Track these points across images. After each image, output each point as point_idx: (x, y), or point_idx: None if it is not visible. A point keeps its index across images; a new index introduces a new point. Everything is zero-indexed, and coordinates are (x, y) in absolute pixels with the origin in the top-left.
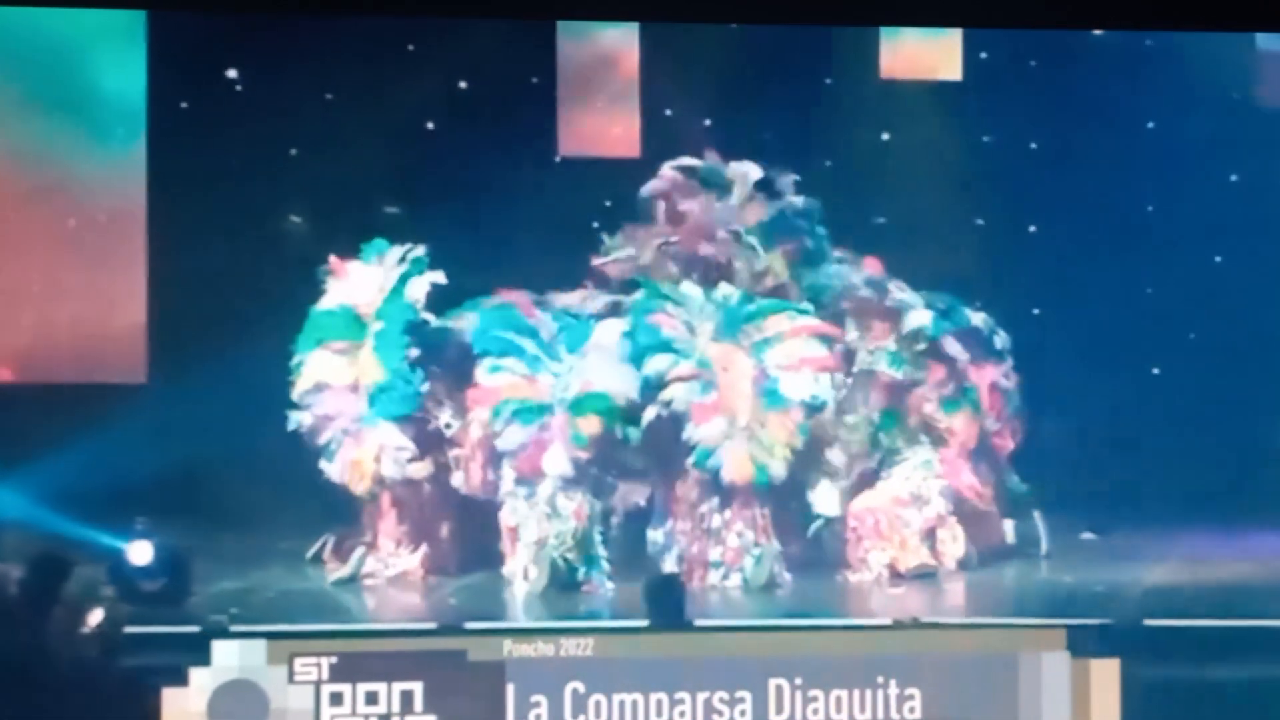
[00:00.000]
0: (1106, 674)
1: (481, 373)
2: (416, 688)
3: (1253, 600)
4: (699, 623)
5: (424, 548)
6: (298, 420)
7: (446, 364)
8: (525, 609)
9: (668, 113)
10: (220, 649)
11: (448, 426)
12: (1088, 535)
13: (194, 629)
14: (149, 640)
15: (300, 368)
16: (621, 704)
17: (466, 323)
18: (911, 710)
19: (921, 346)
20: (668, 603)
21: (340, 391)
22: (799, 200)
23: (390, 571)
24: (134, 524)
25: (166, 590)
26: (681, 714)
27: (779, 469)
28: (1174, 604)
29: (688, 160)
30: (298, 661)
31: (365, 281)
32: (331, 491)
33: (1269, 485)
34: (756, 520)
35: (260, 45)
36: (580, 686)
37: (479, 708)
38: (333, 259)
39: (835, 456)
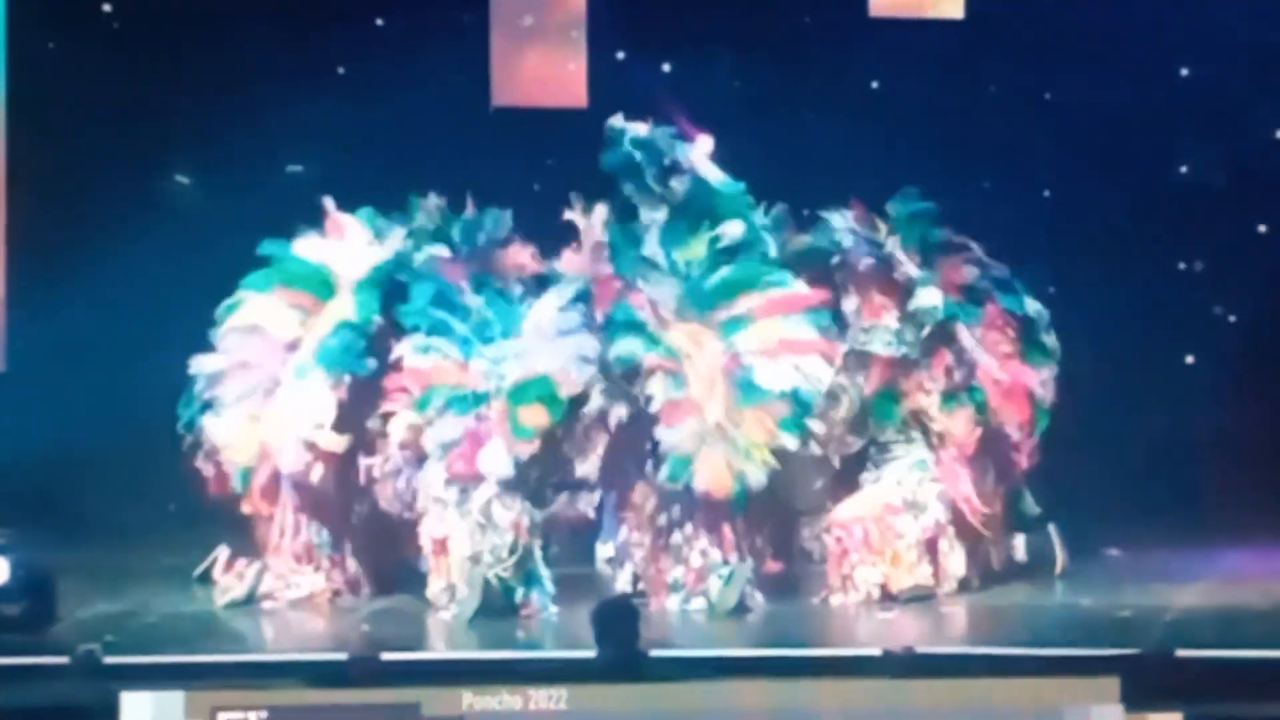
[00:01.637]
0: None
1: (408, 352)
2: None
3: None
4: (655, 653)
5: (331, 562)
6: (199, 365)
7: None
8: (453, 637)
9: (620, 56)
10: (131, 702)
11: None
12: (1112, 551)
13: (61, 660)
14: (10, 674)
15: (238, 306)
16: None
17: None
18: None
19: (928, 330)
20: (620, 630)
21: (273, 343)
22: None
23: (293, 593)
24: None
25: (28, 615)
26: None
27: (757, 476)
28: (1210, 631)
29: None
30: (221, 716)
31: (356, 251)
32: (225, 498)
33: None
34: (724, 534)
35: None
36: None
37: None
38: (330, 206)
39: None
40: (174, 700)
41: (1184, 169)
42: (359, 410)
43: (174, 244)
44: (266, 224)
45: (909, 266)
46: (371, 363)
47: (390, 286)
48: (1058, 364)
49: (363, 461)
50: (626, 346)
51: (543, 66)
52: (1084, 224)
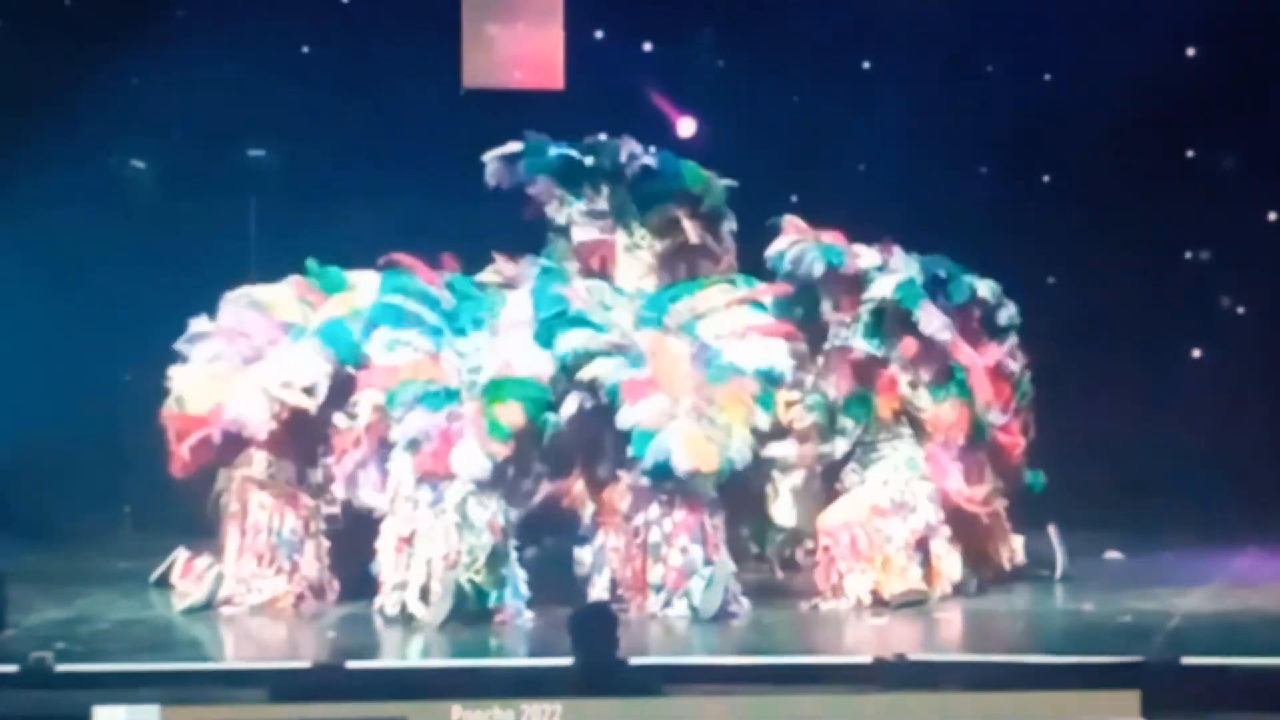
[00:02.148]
0: None
1: (377, 349)
2: None
3: None
4: (634, 661)
5: (294, 564)
6: (191, 327)
7: None
8: (424, 645)
9: (598, 35)
10: (103, 716)
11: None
12: (1112, 554)
13: (10, 668)
14: None
15: (252, 293)
16: None
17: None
18: None
19: (890, 319)
20: (597, 638)
21: (271, 322)
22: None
23: (254, 597)
24: None
25: None
26: None
27: (744, 452)
28: (1217, 638)
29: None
30: None
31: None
32: (183, 498)
33: None
34: (705, 532)
35: None
36: None
37: None
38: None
39: (787, 447)
40: (149, 713)
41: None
42: (332, 400)
43: (127, 230)
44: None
45: (861, 259)
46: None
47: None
48: (1018, 332)
49: (327, 458)
50: (574, 339)
51: (516, 47)
52: (1085, 206)
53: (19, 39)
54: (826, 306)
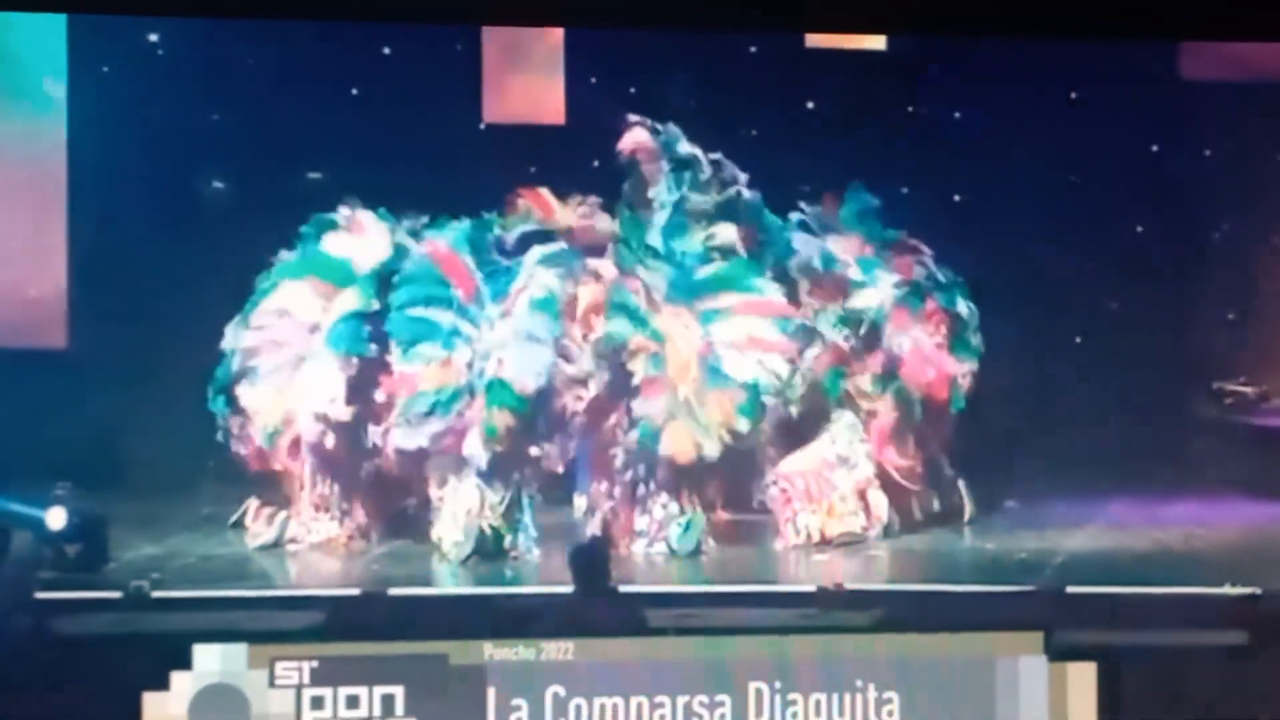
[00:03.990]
0: (1083, 678)
1: (396, 359)
2: (398, 692)
3: (1172, 568)
4: (623, 589)
5: (346, 513)
6: (238, 338)
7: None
8: (452, 576)
9: (593, 80)
10: (201, 653)
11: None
12: (1010, 504)
13: (114, 594)
14: (78, 605)
15: (273, 290)
16: (602, 707)
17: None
18: (890, 714)
19: (868, 327)
20: (593, 569)
21: (299, 324)
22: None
23: (313, 537)
24: (54, 490)
25: (83, 556)
26: (661, 717)
27: (713, 449)
28: (1095, 571)
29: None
30: (279, 665)
31: (373, 244)
32: (254, 457)
33: (1189, 454)
34: (682, 490)
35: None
36: (561, 690)
37: (460, 711)
38: (345, 211)
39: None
40: (238, 651)
41: (1073, 178)
42: (365, 386)
43: (208, 241)
44: (288, 224)
45: (853, 269)
46: (373, 347)
47: (388, 276)
48: (979, 362)
49: (370, 429)
50: (618, 326)
51: (527, 89)
52: (990, 220)
53: (119, 81)
54: (803, 289)
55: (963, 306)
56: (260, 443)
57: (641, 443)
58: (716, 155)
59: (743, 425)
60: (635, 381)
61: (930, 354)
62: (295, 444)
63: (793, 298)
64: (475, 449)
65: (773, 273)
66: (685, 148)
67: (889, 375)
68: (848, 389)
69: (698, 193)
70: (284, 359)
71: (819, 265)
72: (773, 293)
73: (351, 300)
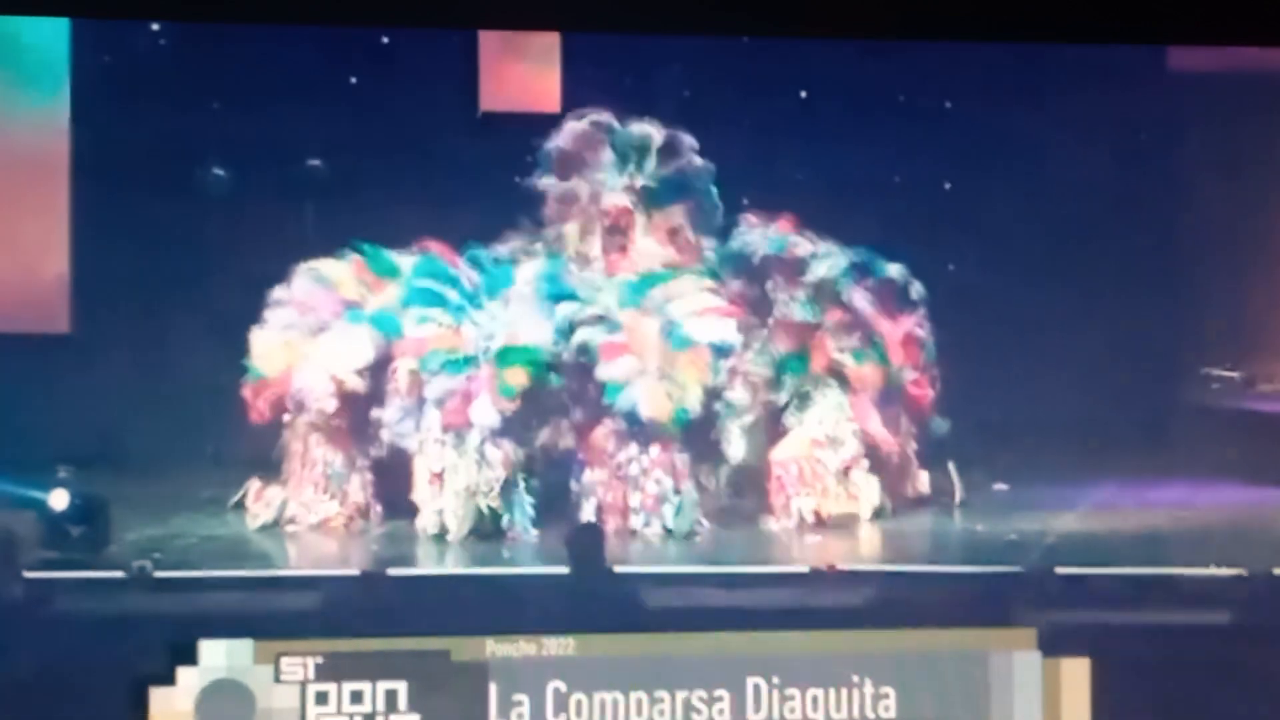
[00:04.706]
0: (1077, 673)
1: (409, 324)
2: (401, 687)
3: (1160, 549)
4: (619, 569)
5: (344, 493)
6: (268, 294)
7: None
8: (449, 556)
9: (588, 69)
10: (207, 649)
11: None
12: (1000, 486)
13: (117, 574)
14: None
15: (319, 268)
16: (602, 703)
17: None
18: (886, 709)
19: (826, 294)
20: (588, 549)
21: (334, 298)
22: (699, 161)
23: (312, 518)
24: (55, 472)
25: (86, 536)
26: (661, 712)
27: (695, 405)
28: (1083, 552)
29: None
30: (284, 661)
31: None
32: (256, 440)
33: (1178, 438)
34: (675, 468)
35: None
36: (561, 686)
37: (462, 707)
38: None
39: (740, 395)
40: (244, 646)
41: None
42: (382, 367)
43: (209, 226)
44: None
45: (801, 247)
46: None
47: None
48: (925, 307)
49: (374, 411)
50: (566, 310)
51: (524, 77)
52: (977, 208)
53: (121, 70)
54: (770, 284)
55: (891, 269)
56: (253, 398)
57: (609, 399)
58: (672, 130)
59: (714, 380)
60: (593, 350)
61: (885, 319)
62: (279, 400)
63: (760, 296)
64: (484, 414)
65: (731, 275)
66: (636, 128)
67: (865, 340)
68: (823, 367)
69: (645, 176)
70: (304, 321)
71: (771, 250)
72: (723, 283)
73: (396, 293)
